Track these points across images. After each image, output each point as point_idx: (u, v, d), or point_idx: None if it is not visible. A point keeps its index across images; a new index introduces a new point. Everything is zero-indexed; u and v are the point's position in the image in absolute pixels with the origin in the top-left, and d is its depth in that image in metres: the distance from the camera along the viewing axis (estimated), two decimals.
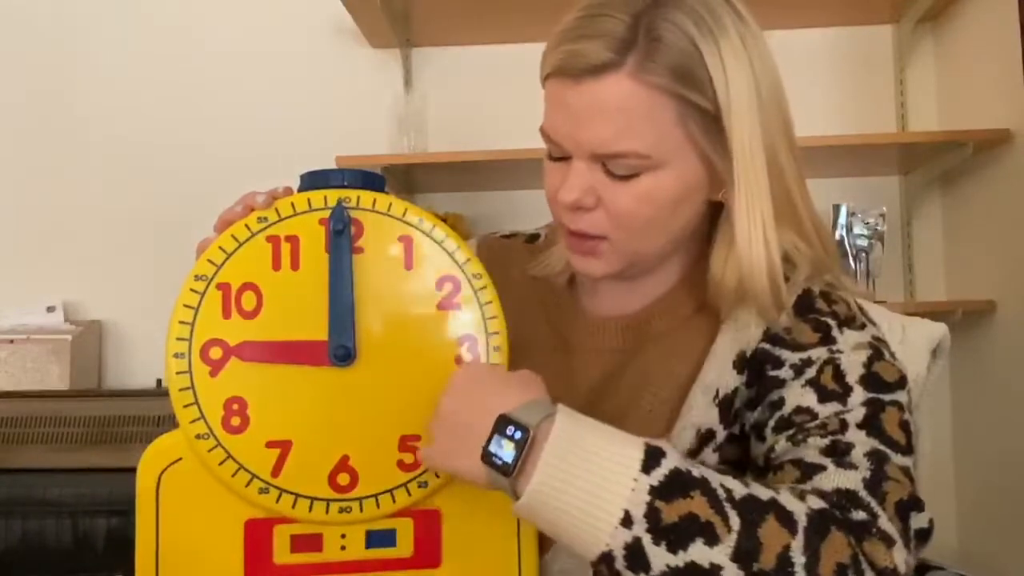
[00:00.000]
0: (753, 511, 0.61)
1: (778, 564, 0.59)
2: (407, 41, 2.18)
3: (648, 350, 0.82)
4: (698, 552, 0.59)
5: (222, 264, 0.73)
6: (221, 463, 0.71)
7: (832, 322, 0.76)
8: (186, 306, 0.73)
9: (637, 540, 0.59)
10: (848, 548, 0.60)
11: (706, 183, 0.77)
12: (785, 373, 0.74)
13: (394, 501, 0.73)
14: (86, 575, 1.79)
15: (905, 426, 0.70)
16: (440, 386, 0.74)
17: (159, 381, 2.00)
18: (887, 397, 0.71)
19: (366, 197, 0.76)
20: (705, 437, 0.76)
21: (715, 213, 0.80)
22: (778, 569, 0.59)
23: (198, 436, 0.71)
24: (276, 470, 0.72)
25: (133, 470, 0.72)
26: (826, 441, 0.68)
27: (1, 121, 2.27)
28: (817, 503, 0.63)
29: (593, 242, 0.77)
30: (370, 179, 0.77)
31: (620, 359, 0.83)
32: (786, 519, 0.61)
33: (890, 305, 1.67)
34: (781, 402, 0.73)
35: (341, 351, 0.73)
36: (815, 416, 0.70)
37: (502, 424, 0.64)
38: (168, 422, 0.73)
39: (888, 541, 0.62)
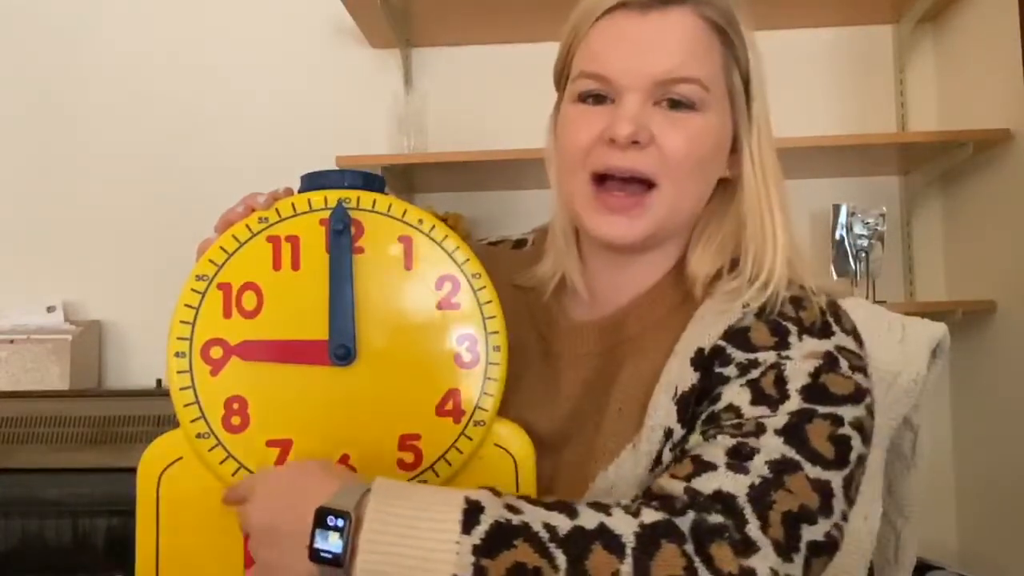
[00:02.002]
0: (578, 545, 0.60)
1: None
2: (407, 41, 2.18)
3: (623, 351, 0.82)
4: None
5: (223, 264, 0.74)
6: (221, 462, 0.71)
7: (793, 328, 0.75)
8: (187, 306, 0.73)
9: None
10: (681, 558, 0.60)
11: (728, 145, 0.81)
12: (730, 371, 0.73)
13: None
14: (86, 575, 1.79)
15: (838, 440, 0.69)
16: (440, 386, 0.75)
17: (159, 381, 2.00)
18: (824, 409, 0.70)
19: (366, 197, 0.76)
20: (668, 436, 0.75)
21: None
22: None
23: (198, 435, 0.72)
24: None
25: (133, 470, 0.72)
26: (733, 442, 0.67)
27: (1, 121, 2.27)
28: (651, 516, 0.62)
29: (640, 197, 0.77)
30: (370, 180, 0.78)
31: (598, 363, 0.83)
32: (613, 545, 0.60)
33: (890, 305, 1.67)
34: (717, 398, 0.72)
35: (341, 351, 0.73)
36: (740, 416, 0.70)
37: (320, 517, 0.61)
38: (168, 422, 0.73)
39: (746, 548, 0.61)
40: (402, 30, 2.12)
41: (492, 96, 2.17)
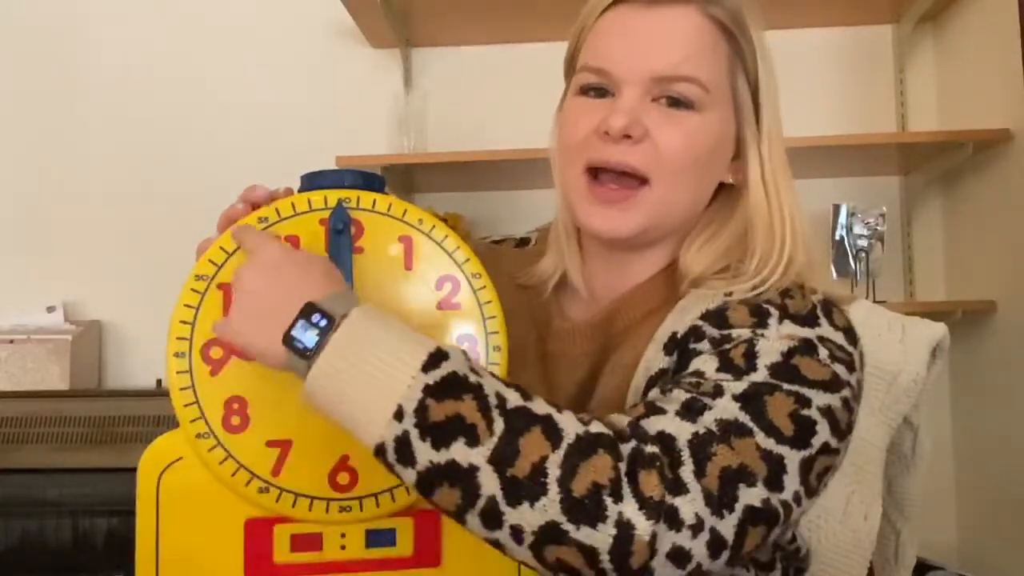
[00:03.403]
0: (520, 420, 0.61)
1: (532, 472, 0.59)
2: (407, 41, 2.18)
3: (611, 346, 0.82)
4: (458, 451, 0.60)
5: (223, 264, 0.73)
6: (221, 462, 0.71)
7: (775, 311, 0.74)
8: (187, 306, 0.73)
9: (406, 434, 0.60)
10: (611, 471, 0.59)
11: (731, 149, 0.81)
12: (703, 346, 0.73)
13: (394, 500, 0.73)
14: (86, 575, 1.79)
15: (801, 420, 0.66)
16: None
17: (159, 381, 2.00)
18: (789, 387, 0.68)
19: (366, 197, 0.76)
20: None
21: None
22: (531, 477, 0.59)
23: (198, 435, 0.71)
24: (276, 469, 0.72)
25: (133, 470, 0.72)
26: (688, 396, 0.66)
27: (2, 121, 2.27)
28: (597, 428, 0.62)
29: (631, 191, 0.77)
30: (370, 179, 0.77)
31: (591, 363, 0.83)
32: (552, 433, 0.61)
33: (890, 305, 1.67)
34: (686, 366, 0.72)
35: None
36: (702, 378, 0.69)
37: (308, 311, 0.64)
38: (168, 422, 0.73)
39: (676, 486, 0.60)
40: (402, 30, 2.12)
41: (492, 96, 2.17)
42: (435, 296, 0.76)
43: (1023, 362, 1.77)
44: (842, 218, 1.97)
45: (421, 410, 0.60)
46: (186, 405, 0.72)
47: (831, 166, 2.02)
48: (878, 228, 1.97)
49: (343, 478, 0.73)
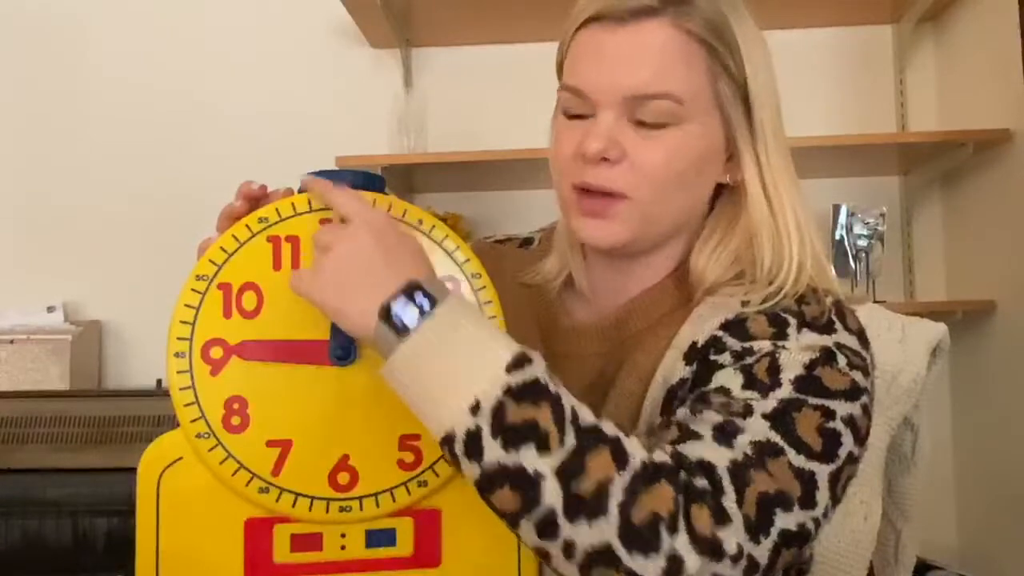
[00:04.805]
0: (591, 439, 0.62)
1: (596, 492, 0.60)
2: (407, 41, 2.18)
3: (624, 350, 0.82)
4: (527, 456, 0.60)
5: (223, 264, 0.73)
6: (221, 462, 0.71)
7: (793, 320, 0.75)
8: (187, 306, 0.73)
9: (478, 429, 0.61)
10: (671, 503, 0.61)
11: (722, 154, 0.80)
12: (724, 359, 0.73)
13: (394, 500, 0.73)
14: (86, 575, 1.79)
15: (827, 433, 0.68)
16: None
17: (159, 381, 2.00)
18: (815, 400, 0.69)
19: (366, 197, 0.76)
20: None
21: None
22: (594, 496, 0.60)
23: (198, 435, 0.71)
24: (276, 469, 0.72)
25: (133, 470, 0.72)
26: (720, 419, 0.67)
27: (2, 121, 2.27)
28: (661, 457, 0.63)
29: (612, 201, 0.77)
30: (370, 179, 0.77)
31: (601, 363, 0.83)
32: (620, 457, 0.62)
33: (890, 305, 1.67)
34: (709, 382, 0.72)
35: (341, 351, 0.73)
36: (729, 397, 0.69)
37: (412, 289, 0.64)
38: (168, 422, 0.73)
39: (721, 517, 0.61)
40: (402, 30, 2.12)
41: (492, 96, 2.17)
42: None
43: (1023, 362, 1.78)
44: (842, 218, 1.98)
45: (498, 409, 0.61)
46: (186, 405, 0.72)
47: (831, 166, 2.02)
48: (878, 228, 1.97)
49: (343, 478, 0.73)
